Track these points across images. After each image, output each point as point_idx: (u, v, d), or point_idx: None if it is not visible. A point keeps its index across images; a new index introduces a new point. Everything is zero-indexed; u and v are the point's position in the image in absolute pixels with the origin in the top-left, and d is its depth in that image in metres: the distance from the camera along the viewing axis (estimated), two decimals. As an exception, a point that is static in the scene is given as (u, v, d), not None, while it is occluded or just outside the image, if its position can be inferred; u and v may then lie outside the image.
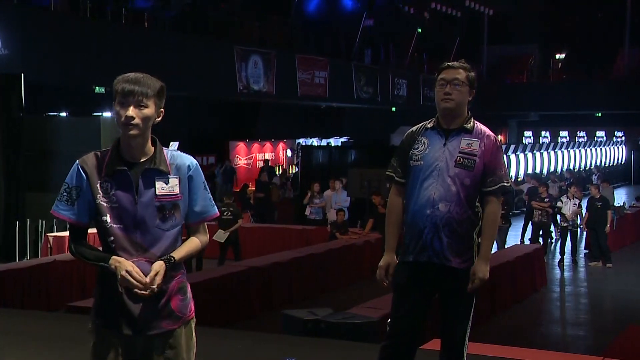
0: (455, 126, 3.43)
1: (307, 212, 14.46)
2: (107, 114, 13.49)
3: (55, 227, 11.79)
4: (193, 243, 2.76)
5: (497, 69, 34.33)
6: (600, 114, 31.92)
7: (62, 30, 14.27)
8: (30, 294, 8.69)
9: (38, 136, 12.41)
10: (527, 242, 14.62)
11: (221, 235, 11.08)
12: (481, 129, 3.45)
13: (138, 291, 2.60)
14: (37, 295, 8.76)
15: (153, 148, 2.69)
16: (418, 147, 3.46)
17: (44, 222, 11.83)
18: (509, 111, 33.13)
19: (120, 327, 2.67)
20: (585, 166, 27.85)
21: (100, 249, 2.72)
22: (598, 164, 29.15)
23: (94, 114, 13.51)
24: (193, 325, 2.79)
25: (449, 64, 3.46)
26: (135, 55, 15.24)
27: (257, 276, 9.33)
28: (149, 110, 2.62)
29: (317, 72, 21.64)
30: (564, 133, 35.47)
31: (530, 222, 14.55)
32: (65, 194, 2.68)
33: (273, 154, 24.28)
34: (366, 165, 15.13)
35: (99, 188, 2.65)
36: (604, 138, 33.71)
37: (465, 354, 3.46)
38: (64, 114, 13.72)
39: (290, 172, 23.27)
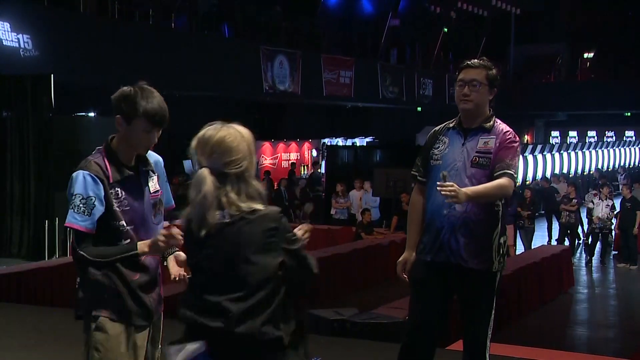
0: (476, 125, 3.40)
1: (332, 212, 14.53)
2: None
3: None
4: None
5: (524, 68, 33.98)
6: (629, 114, 31.46)
7: (91, 31, 14.43)
8: (59, 292, 8.80)
9: (67, 136, 12.54)
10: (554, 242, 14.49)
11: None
12: (500, 127, 3.40)
13: (177, 278, 2.81)
14: (66, 294, 8.86)
15: None
16: (438, 147, 3.45)
17: (72, 221, 11.92)
18: (536, 111, 32.75)
19: (131, 318, 2.77)
20: (614, 166, 27.47)
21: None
22: (627, 164, 28.72)
23: (122, 114, 13.62)
24: None
25: (469, 62, 3.42)
26: (162, 55, 15.36)
27: (283, 276, 9.33)
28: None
29: (342, 72, 21.60)
30: (592, 133, 35.02)
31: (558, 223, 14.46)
32: (81, 205, 2.67)
33: (298, 153, 24.30)
34: (392, 165, 15.09)
35: (112, 195, 2.72)
36: (634, 138, 33.22)
37: (487, 355, 3.44)
38: (92, 114, 13.85)
39: (314, 171, 23.25)
